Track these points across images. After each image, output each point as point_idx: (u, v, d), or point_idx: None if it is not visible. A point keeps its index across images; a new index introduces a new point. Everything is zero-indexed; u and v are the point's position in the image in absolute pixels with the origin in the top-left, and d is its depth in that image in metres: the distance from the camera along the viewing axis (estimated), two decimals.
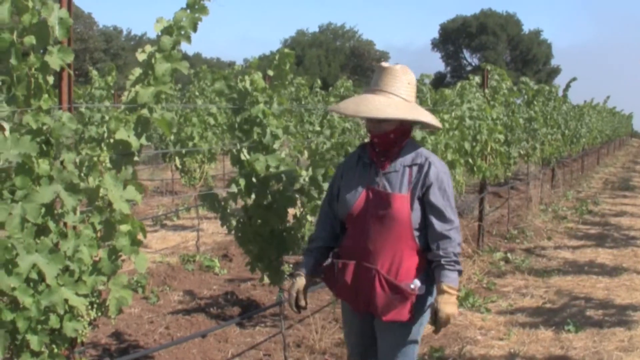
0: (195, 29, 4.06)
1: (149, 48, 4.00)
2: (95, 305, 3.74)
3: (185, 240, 13.24)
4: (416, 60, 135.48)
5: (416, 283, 4.23)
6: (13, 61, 3.35)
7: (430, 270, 4.32)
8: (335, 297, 4.79)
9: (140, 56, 3.96)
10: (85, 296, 3.54)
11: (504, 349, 7.39)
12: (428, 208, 4.25)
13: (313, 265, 4.61)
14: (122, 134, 3.76)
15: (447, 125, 9.18)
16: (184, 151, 11.90)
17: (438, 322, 4.19)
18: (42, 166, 3.33)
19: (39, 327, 3.36)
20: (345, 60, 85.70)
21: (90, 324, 3.71)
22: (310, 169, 6.10)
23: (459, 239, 4.30)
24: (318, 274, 4.66)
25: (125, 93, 3.97)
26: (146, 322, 8.23)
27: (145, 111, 3.84)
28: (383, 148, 4.33)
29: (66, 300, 3.43)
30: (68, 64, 3.62)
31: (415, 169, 4.29)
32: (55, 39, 3.51)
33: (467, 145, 9.87)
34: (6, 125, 3.37)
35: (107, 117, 3.77)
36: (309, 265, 4.61)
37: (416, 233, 4.25)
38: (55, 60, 3.48)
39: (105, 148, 3.72)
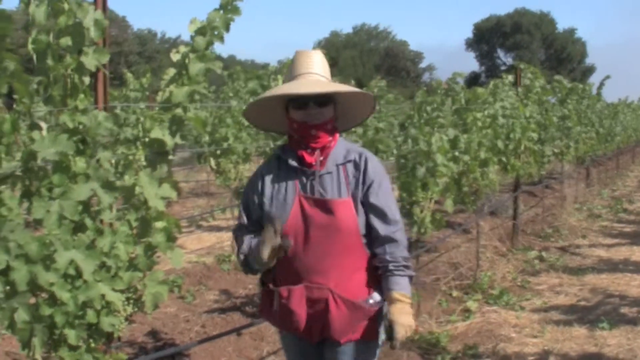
0: (228, 29, 4.10)
1: (182, 48, 4.06)
2: (131, 301, 3.80)
3: (221, 240, 13.30)
4: (450, 60, 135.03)
5: (375, 297, 3.79)
6: (50, 62, 3.42)
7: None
8: (281, 329, 4.05)
9: (175, 56, 4.02)
10: (122, 292, 3.61)
11: (538, 347, 7.39)
12: (369, 209, 3.73)
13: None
14: (157, 133, 3.82)
15: (480, 124, 9.18)
16: (218, 152, 11.97)
17: (395, 336, 3.66)
18: (79, 164, 3.39)
19: (77, 321, 3.42)
20: (380, 60, 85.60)
21: (126, 319, 3.77)
22: None
23: (405, 240, 3.83)
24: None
25: (160, 93, 4.03)
26: (182, 321, 8.31)
27: (179, 110, 3.90)
28: (319, 143, 3.74)
29: (103, 296, 3.48)
30: (103, 65, 3.69)
31: (350, 167, 3.76)
32: (91, 40, 3.57)
33: (500, 144, 9.88)
34: (44, 125, 3.44)
35: (142, 119, 3.83)
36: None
37: (364, 240, 3.77)
38: (90, 60, 3.54)
39: (140, 147, 3.79)
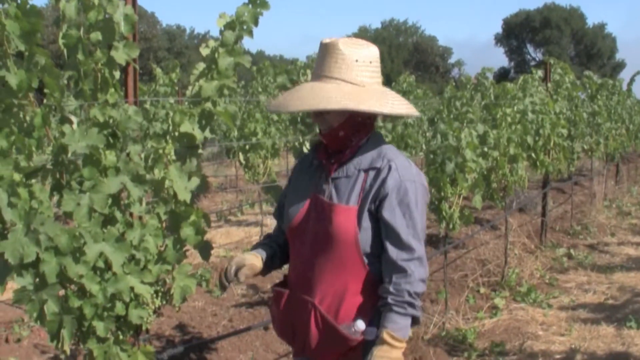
0: (256, 24, 4.08)
1: (212, 43, 4.07)
2: (160, 294, 3.82)
3: (249, 235, 13.34)
4: (479, 55, 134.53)
5: (358, 325, 3.23)
6: (80, 57, 3.44)
7: None
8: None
9: (204, 51, 4.03)
10: (151, 284, 3.62)
11: (565, 345, 7.36)
12: (383, 227, 3.22)
13: (269, 256, 3.67)
14: (186, 127, 3.83)
15: (509, 120, 9.15)
16: (246, 146, 12.01)
17: None
18: (109, 158, 3.41)
19: (105, 313, 3.44)
20: (409, 56, 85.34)
21: (154, 312, 3.79)
22: None
23: (421, 274, 3.21)
24: (268, 269, 3.69)
25: (190, 87, 4.05)
26: (210, 315, 8.34)
27: (208, 104, 3.91)
28: (334, 148, 3.36)
29: (132, 288, 3.50)
30: (133, 59, 3.71)
31: (371, 174, 3.26)
32: (121, 35, 3.59)
33: (529, 140, 9.83)
34: (74, 119, 3.47)
35: (171, 113, 3.83)
36: (265, 252, 3.67)
37: (368, 259, 3.26)
38: (121, 55, 3.56)
39: (170, 141, 3.80)
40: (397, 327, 3.16)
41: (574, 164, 13.49)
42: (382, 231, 3.22)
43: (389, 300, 3.16)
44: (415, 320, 3.23)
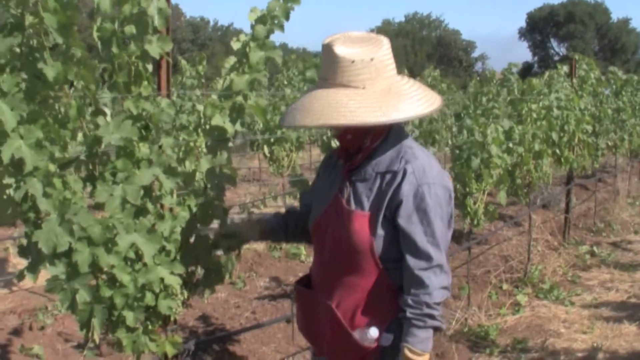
0: (287, 18, 4.09)
1: (243, 37, 4.09)
2: (188, 285, 3.86)
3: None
4: (503, 49, 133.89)
5: (371, 332, 3.17)
6: (114, 49, 3.47)
7: None
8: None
9: (235, 45, 4.05)
10: (180, 276, 3.66)
11: (587, 343, 7.34)
12: (400, 235, 3.08)
13: (276, 220, 3.79)
14: (217, 120, 3.86)
15: (534, 115, 9.13)
16: (271, 139, 12.04)
17: None
18: (142, 150, 3.44)
19: (135, 304, 3.47)
20: (432, 49, 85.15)
21: (183, 303, 3.82)
22: None
23: (442, 282, 3.09)
24: (271, 233, 3.80)
25: (220, 81, 4.08)
26: (233, 307, 8.38)
27: (240, 98, 3.94)
28: (352, 150, 3.23)
29: (162, 279, 3.53)
30: (166, 53, 3.74)
31: (387, 178, 3.12)
32: (154, 29, 3.62)
33: (554, 136, 9.81)
34: (108, 111, 3.51)
35: (197, 106, 3.86)
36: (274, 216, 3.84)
37: (386, 265, 3.15)
38: (154, 48, 3.59)
39: (201, 134, 3.84)
40: (417, 340, 3.08)
41: (598, 161, 13.43)
42: (400, 239, 3.10)
43: (408, 313, 3.07)
44: (436, 330, 3.15)
